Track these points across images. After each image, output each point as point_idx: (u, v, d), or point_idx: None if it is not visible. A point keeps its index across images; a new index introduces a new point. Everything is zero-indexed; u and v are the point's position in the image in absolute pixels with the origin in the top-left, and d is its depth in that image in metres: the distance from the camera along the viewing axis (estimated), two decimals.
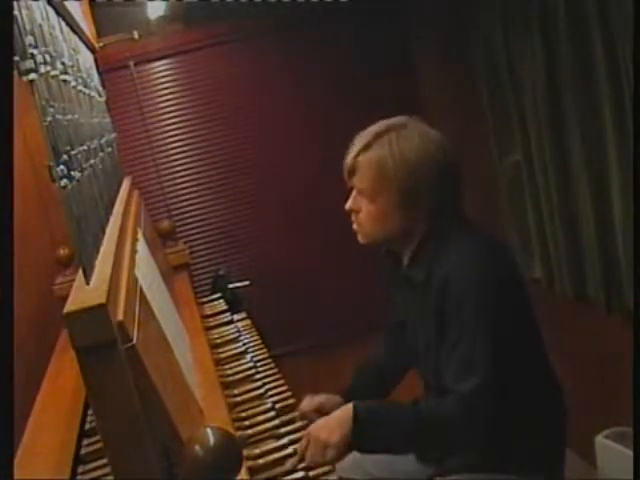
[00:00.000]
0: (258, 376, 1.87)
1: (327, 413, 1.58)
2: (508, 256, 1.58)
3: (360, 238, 1.57)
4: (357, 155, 1.51)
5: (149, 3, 3.18)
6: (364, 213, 1.53)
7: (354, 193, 1.55)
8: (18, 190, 2.04)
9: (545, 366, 1.60)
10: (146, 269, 1.68)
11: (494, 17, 2.55)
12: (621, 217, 2.09)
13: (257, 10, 3.17)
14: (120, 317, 1.12)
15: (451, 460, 1.59)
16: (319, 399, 1.73)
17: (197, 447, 1.06)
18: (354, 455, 1.55)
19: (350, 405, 1.46)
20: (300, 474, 1.46)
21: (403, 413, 1.46)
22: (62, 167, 1.17)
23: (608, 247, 2.21)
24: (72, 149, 1.32)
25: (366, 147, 1.50)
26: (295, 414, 1.69)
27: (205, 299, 2.63)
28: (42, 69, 1.21)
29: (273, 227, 3.56)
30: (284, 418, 1.66)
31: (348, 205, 1.55)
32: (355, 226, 1.57)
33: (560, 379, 1.63)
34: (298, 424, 1.63)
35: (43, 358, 1.78)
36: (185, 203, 3.55)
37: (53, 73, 1.34)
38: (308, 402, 1.73)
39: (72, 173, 1.24)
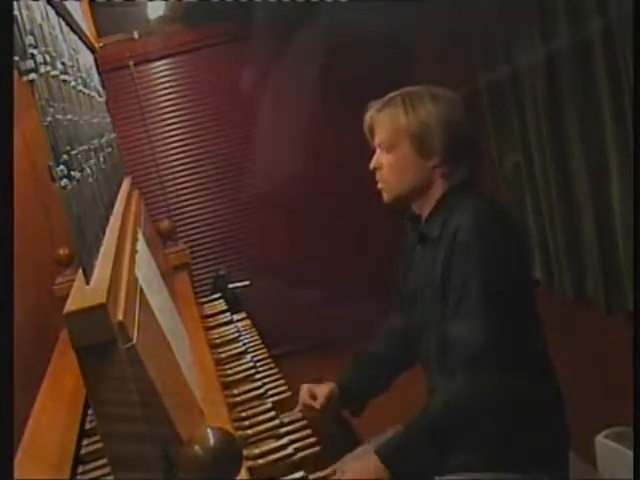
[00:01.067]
0: (258, 376, 1.87)
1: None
2: (517, 222, 1.71)
3: (385, 197, 1.64)
4: (373, 114, 1.63)
5: (149, 3, 3.19)
6: (385, 166, 1.61)
7: (377, 152, 1.64)
8: (18, 190, 2.04)
9: (544, 351, 1.62)
10: (146, 269, 1.67)
11: (494, 17, 2.55)
12: (621, 217, 2.09)
13: (257, 10, 3.17)
14: (120, 317, 1.12)
15: (452, 459, 1.59)
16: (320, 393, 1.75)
17: (197, 447, 1.05)
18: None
19: (374, 456, 1.49)
20: (300, 474, 1.47)
21: (418, 431, 1.51)
22: (62, 167, 1.17)
23: (608, 247, 2.21)
24: (72, 149, 1.32)
25: (382, 107, 1.62)
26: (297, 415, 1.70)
27: (205, 299, 2.63)
28: (42, 69, 1.21)
29: (273, 227, 3.56)
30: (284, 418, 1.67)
31: (372, 164, 1.64)
32: (379, 185, 1.64)
33: (558, 376, 1.64)
34: (298, 424, 1.63)
35: (43, 358, 1.77)
36: (185, 203, 3.55)
37: (53, 73, 1.34)
38: (309, 392, 1.76)
39: (72, 173, 1.24)
